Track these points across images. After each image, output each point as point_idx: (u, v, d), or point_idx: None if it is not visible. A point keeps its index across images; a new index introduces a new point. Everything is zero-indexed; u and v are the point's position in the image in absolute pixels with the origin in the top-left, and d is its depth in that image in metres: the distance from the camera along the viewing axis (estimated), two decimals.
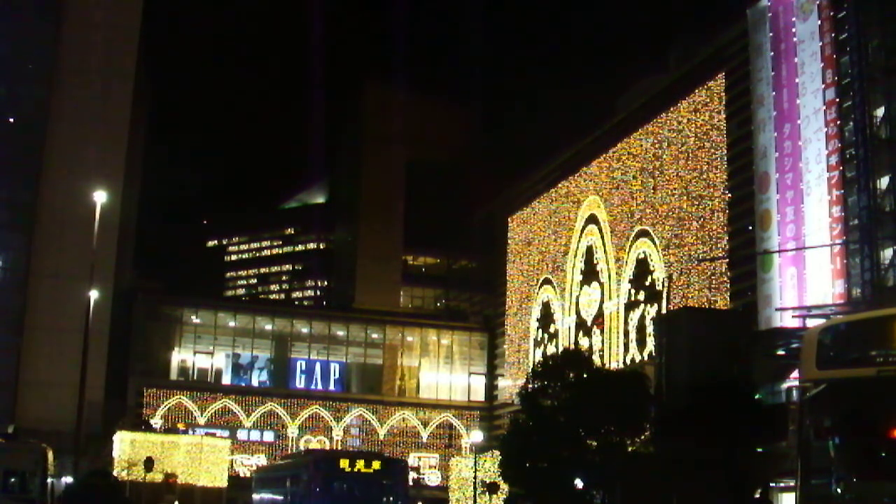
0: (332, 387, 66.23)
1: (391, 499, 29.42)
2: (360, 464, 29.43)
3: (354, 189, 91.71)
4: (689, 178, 46.87)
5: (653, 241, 49.84)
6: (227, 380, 64.89)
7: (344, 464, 29.63)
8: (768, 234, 38.97)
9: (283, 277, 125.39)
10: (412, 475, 63.93)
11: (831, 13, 36.87)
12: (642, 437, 31.77)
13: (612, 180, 54.73)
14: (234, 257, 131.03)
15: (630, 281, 52.04)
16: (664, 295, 48.05)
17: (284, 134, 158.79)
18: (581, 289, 57.97)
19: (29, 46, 59.41)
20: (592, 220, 56.74)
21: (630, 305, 51.98)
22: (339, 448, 61.73)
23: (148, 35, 65.25)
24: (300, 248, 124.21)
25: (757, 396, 29.24)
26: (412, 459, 65.05)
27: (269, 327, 67.05)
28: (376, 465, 29.77)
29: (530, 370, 39.57)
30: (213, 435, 55.81)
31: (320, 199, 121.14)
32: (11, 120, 59.66)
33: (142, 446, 47.63)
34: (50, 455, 24.97)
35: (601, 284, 55.49)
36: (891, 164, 33.93)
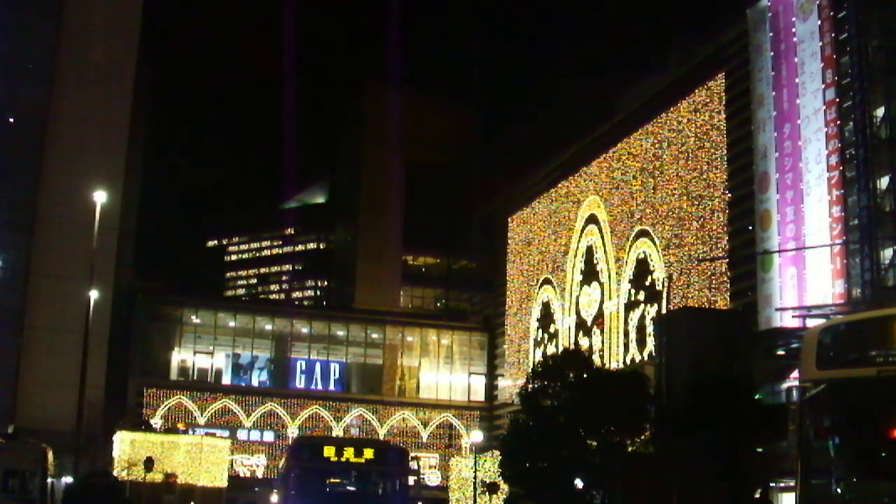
0: (332, 387, 66.24)
1: (389, 495, 23.57)
2: (349, 452, 23.70)
3: (354, 189, 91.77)
4: (689, 178, 46.87)
5: (653, 241, 49.84)
6: (227, 380, 64.90)
7: (329, 452, 23.77)
8: (768, 234, 38.97)
9: (283, 277, 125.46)
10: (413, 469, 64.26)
11: (831, 13, 36.86)
12: (642, 437, 31.78)
13: (612, 180, 54.73)
14: (234, 257, 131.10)
15: (630, 281, 52.05)
16: (664, 295, 48.06)
17: (284, 134, 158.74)
18: (581, 289, 57.98)
19: (29, 46, 59.42)
20: (592, 220, 56.75)
21: (630, 305, 51.99)
22: None
23: (148, 35, 65.25)
24: (300, 248, 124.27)
25: (757, 396, 29.26)
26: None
27: (269, 327, 67.05)
28: (370, 453, 23.86)
29: (530, 370, 39.59)
30: (213, 435, 55.80)
31: (320, 199, 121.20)
32: (11, 120, 59.67)
33: (142, 446, 47.60)
34: (50, 455, 24.95)
35: (601, 284, 55.50)
36: (891, 164, 33.93)
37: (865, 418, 10.72)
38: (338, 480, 23.95)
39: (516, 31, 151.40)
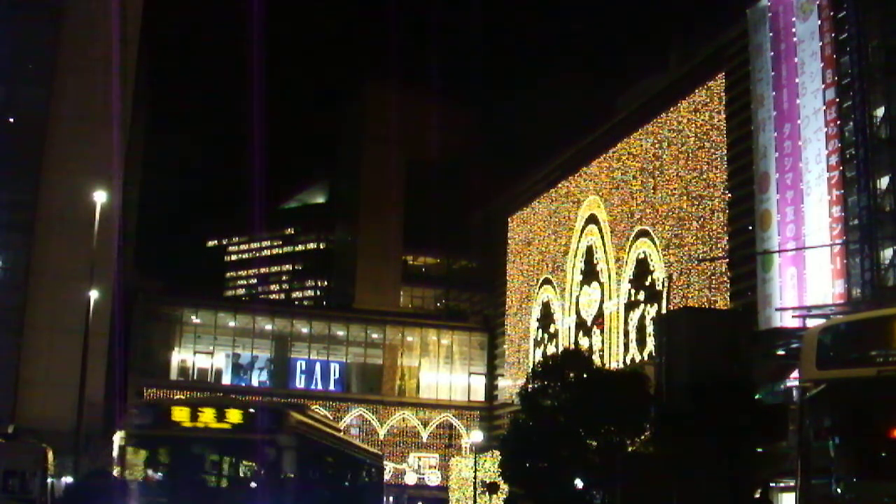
0: (332, 387, 66.24)
1: (267, 474, 16.16)
2: (207, 415, 16.44)
3: (354, 189, 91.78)
4: (689, 178, 46.89)
5: (653, 241, 49.86)
6: (227, 380, 64.88)
7: (180, 416, 16.54)
8: (768, 234, 38.99)
9: (283, 277, 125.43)
10: (410, 471, 64.26)
11: (831, 13, 36.89)
12: (642, 437, 31.77)
13: (612, 180, 54.76)
14: (234, 257, 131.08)
15: (630, 281, 52.07)
16: (664, 295, 48.07)
17: (284, 134, 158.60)
18: (581, 289, 57.99)
19: (29, 46, 59.38)
20: (592, 220, 56.77)
21: (630, 305, 52.00)
22: None
23: (148, 34, 65.20)
24: (300, 248, 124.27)
25: (757, 396, 29.24)
26: (412, 459, 65.16)
27: (269, 327, 67.05)
28: (235, 416, 16.50)
29: (530, 370, 39.59)
30: None
31: (320, 199, 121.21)
32: (11, 120, 59.62)
33: None
34: (50, 455, 24.97)
35: (601, 284, 55.51)
36: (891, 164, 33.96)
37: (865, 418, 10.72)
38: (194, 454, 16.81)
39: (517, 30, 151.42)
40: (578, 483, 32.13)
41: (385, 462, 62.51)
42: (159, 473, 16.67)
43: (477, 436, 53.97)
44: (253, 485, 16.52)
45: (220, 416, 16.65)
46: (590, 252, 57.16)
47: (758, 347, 32.43)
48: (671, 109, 49.09)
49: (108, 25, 59.96)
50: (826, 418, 10.90)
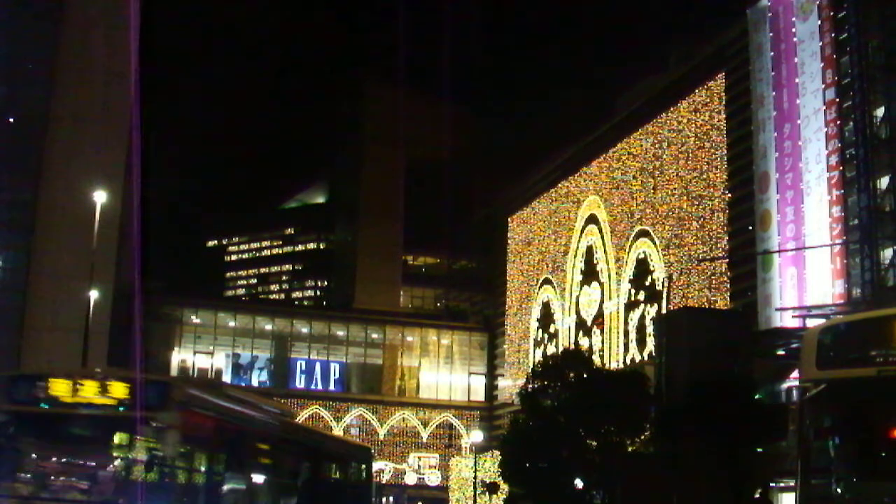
0: (332, 387, 66.25)
1: (147, 459, 13.64)
2: (89, 389, 14.09)
3: (354, 189, 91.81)
4: (689, 178, 46.90)
5: (653, 241, 49.86)
6: (227, 380, 64.78)
7: (59, 389, 14.12)
8: (768, 234, 39.00)
9: (283, 277, 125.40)
10: (410, 471, 64.27)
11: (831, 13, 36.91)
12: (642, 437, 31.77)
13: (612, 180, 54.77)
14: (234, 257, 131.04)
15: (630, 281, 52.07)
16: (664, 295, 48.06)
17: (284, 134, 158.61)
18: (581, 289, 57.99)
19: (29, 46, 59.39)
20: (592, 220, 56.78)
21: (630, 305, 52.01)
22: None
23: (148, 34, 65.20)
24: (300, 248, 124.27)
25: (757, 396, 29.24)
26: (412, 459, 65.15)
27: (269, 327, 67.08)
28: (120, 390, 14.04)
29: (530, 370, 39.60)
30: None
31: (320, 199, 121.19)
32: (11, 120, 59.63)
33: None
34: None
35: (601, 284, 55.52)
36: (891, 164, 33.98)
37: (865, 418, 10.73)
38: (70, 434, 14.24)
39: (517, 30, 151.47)
40: (578, 483, 32.12)
41: (384, 461, 62.69)
42: (30, 457, 14.20)
43: (477, 436, 53.97)
44: (133, 472, 13.86)
45: (103, 390, 14.12)
46: (590, 252, 57.17)
47: (758, 347, 32.43)
48: (671, 109, 49.10)
49: (108, 26, 60.03)
50: (826, 418, 10.91)
